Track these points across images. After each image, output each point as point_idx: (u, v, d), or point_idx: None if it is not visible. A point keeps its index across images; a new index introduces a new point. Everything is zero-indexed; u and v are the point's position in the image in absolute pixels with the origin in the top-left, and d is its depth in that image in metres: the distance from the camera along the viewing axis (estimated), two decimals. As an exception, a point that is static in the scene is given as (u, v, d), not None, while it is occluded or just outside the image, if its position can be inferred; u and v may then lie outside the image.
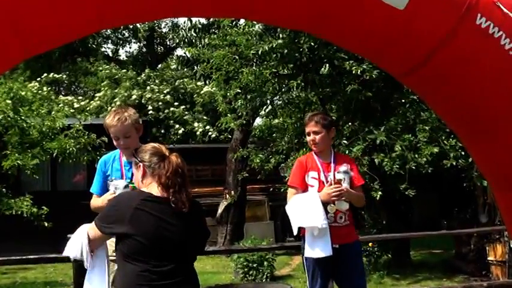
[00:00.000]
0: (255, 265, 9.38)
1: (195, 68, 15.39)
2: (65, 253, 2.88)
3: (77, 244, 2.84)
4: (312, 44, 8.07)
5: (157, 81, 18.57)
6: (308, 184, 3.94)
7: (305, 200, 3.84)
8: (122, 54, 30.02)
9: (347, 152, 7.68)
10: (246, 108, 9.41)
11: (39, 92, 11.68)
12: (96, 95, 17.83)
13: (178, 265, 2.67)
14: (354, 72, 7.77)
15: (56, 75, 18.55)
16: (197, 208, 2.82)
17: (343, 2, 2.76)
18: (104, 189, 3.57)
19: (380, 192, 7.63)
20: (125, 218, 2.62)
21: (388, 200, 8.80)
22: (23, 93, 9.51)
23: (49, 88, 14.63)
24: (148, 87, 17.72)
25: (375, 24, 2.78)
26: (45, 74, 17.97)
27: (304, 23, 2.98)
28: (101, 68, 19.21)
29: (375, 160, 7.81)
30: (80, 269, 3.84)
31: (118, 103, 16.25)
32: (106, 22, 2.82)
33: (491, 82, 2.87)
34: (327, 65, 8.62)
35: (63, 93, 20.97)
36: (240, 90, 9.02)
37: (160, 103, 17.40)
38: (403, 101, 8.53)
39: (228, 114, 10.22)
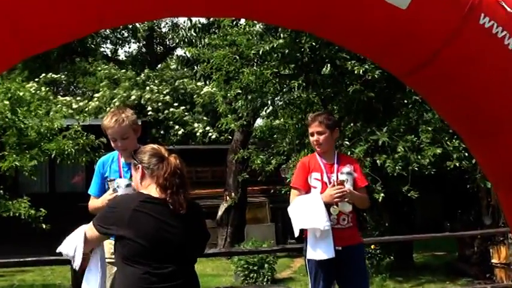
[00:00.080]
0: (255, 268, 9.38)
1: (195, 68, 15.31)
2: (59, 249, 2.88)
3: (72, 243, 2.82)
4: (314, 43, 8.07)
5: (156, 81, 18.54)
6: (311, 185, 3.90)
7: (307, 201, 3.80)
8: (121, 54, 30.08)
9: (349, 153, 7.64)
10: (246, 108, 9.39)
11: (37, 92, 11.68)
12: (94, 95, 17.80)
13: (179, 267, 2.64)
14: (355, 72, 7.76)
15: (54, 76, 18.55)
16: (197, 210, 2.81)
17: (345, 1, 2.75)
18: (102, 191, 3.56)
19: (382, 194, 7.65)
20: (123, 220, 2.61)
21: (391, 201, 8.78)
22: (21, 93, 9.43)
23: (47, 88, 14.64)
24: (147, 88, 17.69)
25: (377, 23, 2.78)
26: (43, 74, 17.97)
27: (305, 23, 2.97)
28: (99, 68, 19.17)
29: (377, 161, 7.81)
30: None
31: (117, 103, 16.20)
32: (105, 22, 2.84)
33: (495, 82, 2.87)
34: (329, 65, 8.59)
35: (61, 93, 20.92)
36: (240, 91, 8.99)
37: (159, 103, 17.36)
38: (405, 101, 8.53)
39: (229, 115, 10.20)
